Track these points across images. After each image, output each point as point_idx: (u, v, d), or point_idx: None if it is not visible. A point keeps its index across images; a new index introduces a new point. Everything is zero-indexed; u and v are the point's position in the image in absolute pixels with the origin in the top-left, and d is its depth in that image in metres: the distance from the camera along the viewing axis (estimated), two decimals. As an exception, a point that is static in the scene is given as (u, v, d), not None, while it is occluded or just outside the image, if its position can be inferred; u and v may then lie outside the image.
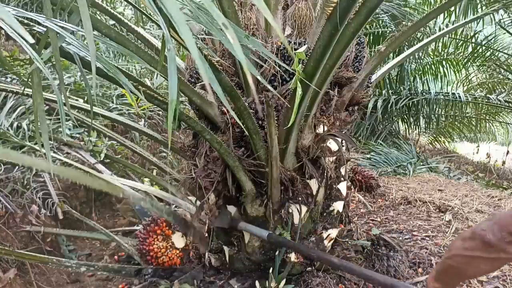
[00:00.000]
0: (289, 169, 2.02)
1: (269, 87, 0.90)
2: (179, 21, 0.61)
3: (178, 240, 2.12)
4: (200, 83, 2.04)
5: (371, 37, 6.55)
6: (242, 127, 1.71)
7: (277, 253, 2.06)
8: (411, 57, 6.58)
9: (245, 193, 2.01)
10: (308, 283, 2.01)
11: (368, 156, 5.17)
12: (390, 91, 6.90)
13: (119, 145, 3.29)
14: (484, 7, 4.96)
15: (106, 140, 3.35)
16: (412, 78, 7.14)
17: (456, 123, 7.57)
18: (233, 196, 2.07)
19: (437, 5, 3.13)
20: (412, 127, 7.66)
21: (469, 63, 6.82)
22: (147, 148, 4.05)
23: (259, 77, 0.87)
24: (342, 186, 2.31)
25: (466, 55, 6.64)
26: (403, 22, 5.84)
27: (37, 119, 1.00)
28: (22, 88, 1.91)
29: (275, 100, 1.89)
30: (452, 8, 5.41)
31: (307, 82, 1.48)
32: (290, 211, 2.05)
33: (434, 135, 8.06)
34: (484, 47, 6.34)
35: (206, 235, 2.24)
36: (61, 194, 3.12)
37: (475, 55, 6.54)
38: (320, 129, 2.06)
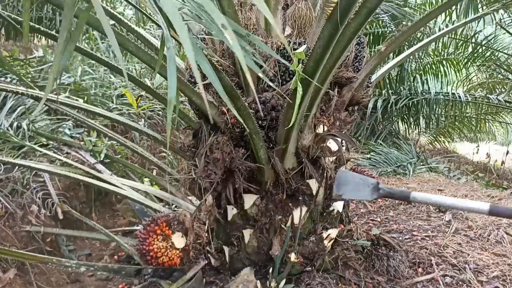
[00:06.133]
0: (289, 169, 2.02)
1: (271, 84, 0.89)
2: (175, 21, 0.60)
3: (178, 240, 2.11)
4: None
5: (371, 37, 6.55)
6: (244, 125, 1.71)
7: (277, 253, 2.06)
8: (411, 57, 6.58)
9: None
10: (308, 283, 2.01)
11: (368, 156, 5.16)
12: (390, 91, 6.89)
13: (119, 145, 3.29)
14: (484, 7, 4.96)
15: (106, 140, 3.36)
16: (412, 78, 7.13)
17: (456, 123, 7.56)
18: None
19: (437, 5, 3.13)
20: (412, 127, 7.65)
21: (469, 63, 6.83)
22: (147, 148, 4.05)
23: (260, 74, 0.87)
24: (342, 186, 2.31)
25: (466, 55, 6.64)
26: (403, 22, 5.84)
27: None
28: (21, 88, 1.91)
29: (275, 100, 1.89)
30: (452, 8, 5.40)
31: (307, 82, 1.48)
32: (290, 211, 2.04)
33: (434, 135, 8.05)
34: (484, 47, 6.34)
35: (206, 235, 2.24)
36: (61, 194, 3.12)
37: (475, 55, 6.54)
38: (320, 129, 2.06)
